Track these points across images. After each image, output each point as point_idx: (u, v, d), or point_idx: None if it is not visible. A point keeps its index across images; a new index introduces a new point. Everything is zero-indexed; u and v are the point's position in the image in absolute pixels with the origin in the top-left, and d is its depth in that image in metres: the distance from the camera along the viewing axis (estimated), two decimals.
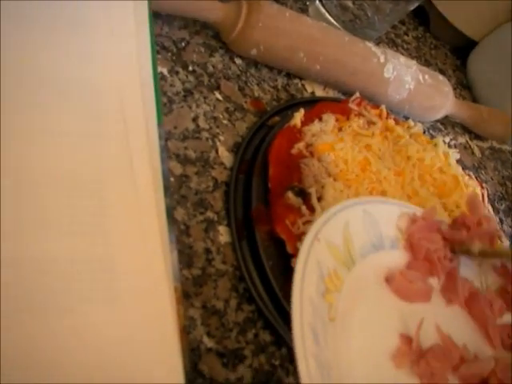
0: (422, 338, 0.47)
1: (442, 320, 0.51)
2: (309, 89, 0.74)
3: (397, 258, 0.52)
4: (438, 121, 0.87)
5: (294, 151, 0.59)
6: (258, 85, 0.69)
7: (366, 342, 0.44)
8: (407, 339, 0.46)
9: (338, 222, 0.46)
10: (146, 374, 0.38)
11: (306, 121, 0.63)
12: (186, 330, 0.45)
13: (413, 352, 0.45)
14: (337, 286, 0.43)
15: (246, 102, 0.66)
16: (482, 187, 0.77)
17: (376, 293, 0.49)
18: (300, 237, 0.53)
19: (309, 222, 0.54)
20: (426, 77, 0.78)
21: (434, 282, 0.53)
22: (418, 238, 0.52)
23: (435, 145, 0.72)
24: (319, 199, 0.56)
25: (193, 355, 0.47)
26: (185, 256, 0.51)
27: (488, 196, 0.83)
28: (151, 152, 0.47)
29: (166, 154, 0.56)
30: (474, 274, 0.56)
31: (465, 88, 1.00)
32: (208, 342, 0.49)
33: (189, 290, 0.50)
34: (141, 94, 0.49)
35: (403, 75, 0.75)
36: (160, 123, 0.50)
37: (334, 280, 0.43)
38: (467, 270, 0.55)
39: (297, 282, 0.38)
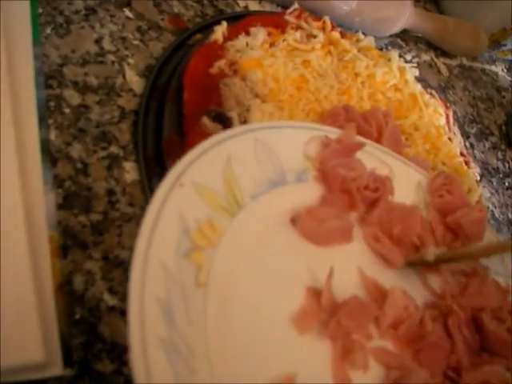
0: (338, 289, 0.37)
1: (369, 261, 0.42)
2: (241, 3, 0.64)
3: (306, 192, 0.42)
4: (397, 36, 0.78)
5: (214, 70, 0.51)
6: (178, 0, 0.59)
7: (259, 305, 0.34)
8: (315, 294, 0.37)
9: (215, 158, 0.36)
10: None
11: (231, 36, 0.54)
12: (63, 289, 0.37)
13: (323, 310, 0.36)
14: (211, 240, 0.33)
15: (162, 20, 0.57)
16: (447, 107, 0.68)
17: (277, 239, 0.38)
18: None
19: None
20: None
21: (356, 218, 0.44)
22: (332, 166, 0.42)
23: (389, 59, 0.63)
24: (243, 123, 0.47)
25: (91, 316, 0.39)
26: (82, 199, 0.43)
27: (456, 118, 0.75)
28: (18, 75, 0.38)
29: (60, 81, 0.47)
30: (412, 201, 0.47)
31: (430, 1, 0.90)
32: (110, 300, 0.41)
33: (86, 240, 0.42)
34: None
35: None
36: (36, 42, 0.42)
37: (206, 233, 0.33)
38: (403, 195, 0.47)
39: (140, 247, 0.28)
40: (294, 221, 0.39)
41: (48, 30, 0.49)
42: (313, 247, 0.40)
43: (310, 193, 0.42)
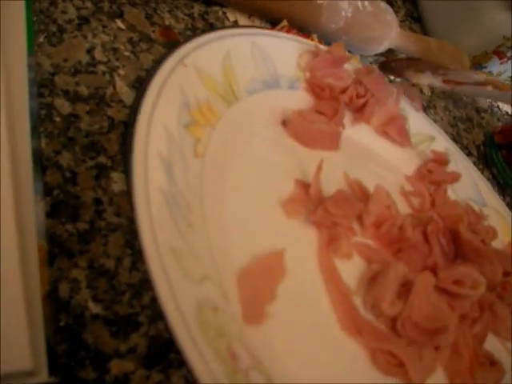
0: (326, 186, 0.40)
1: (353, 169, 0.44)
2: (231, 17, 0.65)
3: (297, 99, 0.45)
4: (382, 55, 0.79)
5: None
6: (169, 12, 0.60)
7: (251, 187, 0.37)
8: (303, 185, 0.40)
9: (216, 50, 0.39)
10: None
11: None
12: (48, 298, 0.38)
13: (310, 199, 0.39)
14: (209, 120, 0.36)
15: (153, 32, 0.58)
16: None
17: (268, 135, 0.41)
18: None
19: None
20: (366, 4, 0.70)
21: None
22: (322, 75, 0.45)
23: None
24: None
25: (75, 323, 0.40)
26: (69, 208, 0.44)
27: None
28: (12, 86, 0.39)
29: (51, 90, 0.48)
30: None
31: (415, 21, 0.92)
32: (94, 308, 0.41)
33: (73, 248, 0.43)
34: None
35: (339, 1, 0.67)
36: (31, 52, 0.42)
37: (205, 113, 0.36)
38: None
39: (145, 109, 0.31)
40: (284, 123, 0.43)
41: (41, 39, 0.50)
42: (302, 148, 0.43)
43: (300, 100, 0.45)
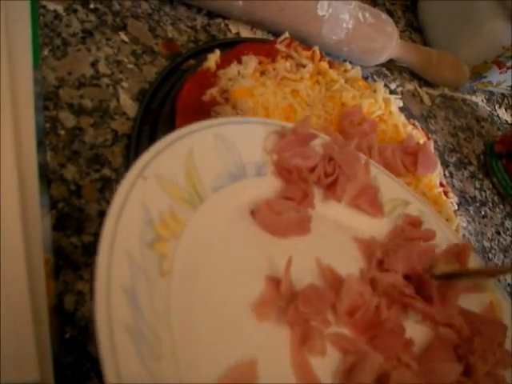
0: (296, 278, 0.39)
1: (325, 252, 0.43)
2: (233, 29, 0.66)
3: (265, 186, 0.43)
4: (383, 65, 0.80)
5: (206, 98, 0.52)
6: (172, 25, 0.61)
7: (220, 293, 0.36)
8: (274, 282, 0.38)
9: (177, 152, 0.37)
10: None
11: (223, 64, 0.55)
12: (54, 310, 0.38)
13: (282, 297, 0.38)
14: (174, 232, 0.35)
15: (156, 44, 0.58)
16: (428, 138, 0.70)
17: (238, 230, 0.40)
18: None
19: None
20: (367, 15, 0.71)
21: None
22: (289, 157, 0.44)
23: (374, 90, 0.65)
24: None
25: (80, 336, 0.40)
26: (74, 221, 0.44)
27: (436, 147, 0.77)
28: (19, 100, 0.40)
29: (56, 103, 0.48)
30: None
31: (415, 31, 0.93)
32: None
33: (77, 261, 0.43)
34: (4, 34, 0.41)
35: (340, 13, 0.68)
36: (37, 66, 0.43)
37: (169, 224, 0.34)
38: None
39: (106, 235, 0.29)
40: (253, 213, 0.41)
41: (46, 52, 0.50)
42: (272, 238, 0.41)
43: (268, 186, 0.44)
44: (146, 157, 0.35)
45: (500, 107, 0.98)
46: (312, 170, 0.45)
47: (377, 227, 0.49)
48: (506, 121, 0.97)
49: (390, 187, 0.51)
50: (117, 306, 0.28)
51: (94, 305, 0.27)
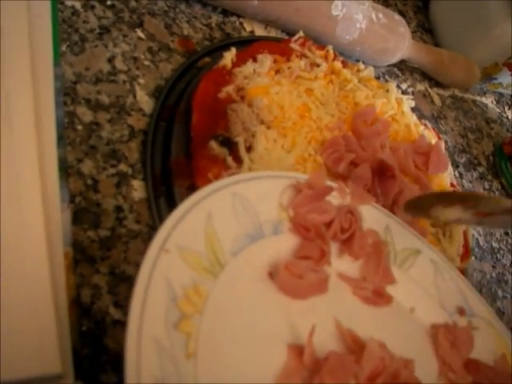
0: (319, 342, 0.38)
1: (344, 311, 0.42)
2: (248, 28, 0.66)
3: (282, 244, 0.42)
4: (394, 66, 0.80)
5: (222, 95, 0.52)
6: (188, 22, 0.61)
7: (245, 368, 0.34)
8: (297, 350, 0.37)
9: (196, 217, 0.36)
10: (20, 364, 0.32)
11: (239, 62, 0.56)
12: (75, 303, 0.39)
13: (305, 367, 0.36)
14: (197, 307, 0.33)
15: (172, 42, 0.59)
16: (439, 138, 0.70)
17: (257, 295, 0.39)
18: None
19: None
20: (380, 15, 0.71)
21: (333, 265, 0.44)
22: (305, 212, 0.43)
23: (387, 90, 0.65)
24: (248, 150, 0.49)
25: (97, 329, 0.41)
26: (91, 215, 0.45)
27: (447, 148, 0.77)
28: (40, 96, 0.40)
29: (73, 98, 0.49)
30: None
31: (427, 32, 0.93)
32: (115, 313, 0.42)
33: (94, 254, 0.43)
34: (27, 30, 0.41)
35: (354, 13, 0.68)
36: (57, 62, 0.43)
37: (192, 299, 0.33)
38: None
39: (133, 321, 0.28)
40: (271, 275, 0.40)
41: (64, 48, 0.51)
42: (290, 300, 0.40)
43: (285, 244, 0.43)
44: (166, 226, 0.34)
45: (509, 109, 0.98)
46: (329, 224, 0.44)
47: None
48: None
49: (402, 236, 0.50)
50: None
51: None
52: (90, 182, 0.46)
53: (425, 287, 0.50)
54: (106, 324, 0.42)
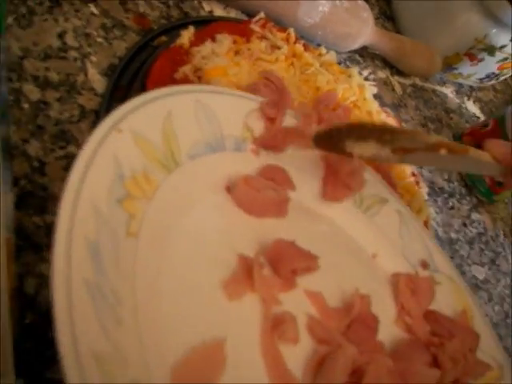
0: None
1: (301, 239, 0.40)
2: (206, 7, 0.64)
3: (243, 162, 0.41)
4: (356, 52, 0.78)
5: (178, 75, 0.50)
6: None
7: (189, 265, 0.34)
8: (247, 261, 0.36)
9: (156, 111, 0.35)
10: None
11: (197, 41, 0.53)
12: (14, 293, 0.36)
13: (251, 279, 0.36)
14: (146, 192, 0.32)
15: (127, 19, 0.56)
16: (400, 126, 0.69)
17: (210, 204, 0.38)
18: None
19: None
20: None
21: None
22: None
23: (349, 76, 0.64)
24: None
25: (42, 321, 0.38)
26: (37, 200, 0.42)
27: None
28: None
29: (20, 75, 0.46)
30: None
31: (388, 19, 0.92)
32: None
33: (40, 241, 0.41)
34: None
35: None
36: (1, 33, 0.40)
37: (141, 184, 0.32)
38: None
39: (72, 182, 0.27)
40: (229, 189, 0.39)
41: (10, 20, 0.48)
42: (246, 216, 0.40)
43: (247, 163, 0.42)
44: (122, 109, 0.33)
45: (469, 100, 0.98)
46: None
47: (354, 222, 0.48)
48: (474, 114, 0.97)
49: (370, 183, 0.49)
50: (78, 258, 0.25)
51: (52, 256, 0.25)
52: (36, 164, 0.43)
53: (389, 236, 0.50)
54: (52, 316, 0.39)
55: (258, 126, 0.43)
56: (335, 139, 0.44)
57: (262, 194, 0.39)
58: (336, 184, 0.46)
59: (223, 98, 0.41)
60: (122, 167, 0.31)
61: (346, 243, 0.47)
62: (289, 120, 0.46)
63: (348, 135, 0.43)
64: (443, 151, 0.40)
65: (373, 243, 0.48)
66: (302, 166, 0.46)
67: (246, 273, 0.36)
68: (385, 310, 0.44)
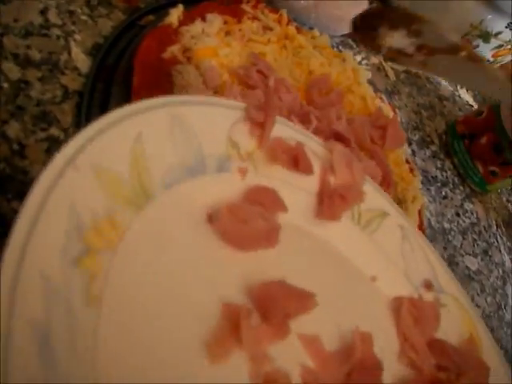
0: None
1: (295, 270, 0.36)
2: None
3: (228, 185, 0.36)
4: (349, 36, 0.76)
5: (167, 55, 0.48)
6: None
7: (165, 326, 0.28)
8: (232, 310, 0.31)
9: (122, 135, 0.29)
10: None
11: (186, 21, 0.51)
12: None
13: (239, 332, 0.30)
14: (110, 242, 0.27)
15: None
16: (395, 112, 0.68)
17: (190, 240, 0.32)
18: None
19: None
20: None
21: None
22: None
23: (343, 60, 0.62)
24: None
25: None
26: (16, 184, 0.40)
27: (401, 125, 0.75)
28: None
29: None
30: None
31: (382, 4, 0.89)
32: None
33: None
34: None
35: None
36: None
37: (105, 232, 0.26)
38: None
39: (13, 248, 0.22)
40: (211, 218, 0.34)
41: None
42: (232, 251, 0.34)
43: (231, 186, 0.36)
44: (80, 138, 0.27)
45: (462, 87, 0.96)
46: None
47: (351, 241, 0.44)
48: (467, 102, 0.96)
49: (369, 195, 0.45)
50: (20, 352, 0.20)
51: None
52: (16, 146, 0.41)
53: (390, 255, 0.45)
54: None
55: (245, 140, 0.38)
56: (369, 27, 0.41)
57: (249, 225, 0.35)
58: (332, 200, 0.41)
59: (203, 109, 0.36)
60: (81, 216, 0.25)
61: (343, 268, 0.43)
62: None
63: (382, 22, 0.41)
64: (463, 53, 0.38)
65: (372, 265, 0.44)
66: (295, 181, 0.41)
67: (231, 326, 0.30)
68: (387, 344, 0.41)
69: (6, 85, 0.43)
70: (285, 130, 0.40)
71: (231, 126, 0.37)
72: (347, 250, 0.43)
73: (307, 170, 0.40)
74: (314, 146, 0.42)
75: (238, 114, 0.38)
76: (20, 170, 0.40)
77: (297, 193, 0.41)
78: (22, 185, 0.40)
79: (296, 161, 0.39)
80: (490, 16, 0.79)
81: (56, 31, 0.48)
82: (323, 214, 0.41)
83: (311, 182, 0.42)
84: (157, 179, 0.31)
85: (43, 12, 0.48)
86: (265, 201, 0.37)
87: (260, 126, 0.38)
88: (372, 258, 0.44)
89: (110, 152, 0.28)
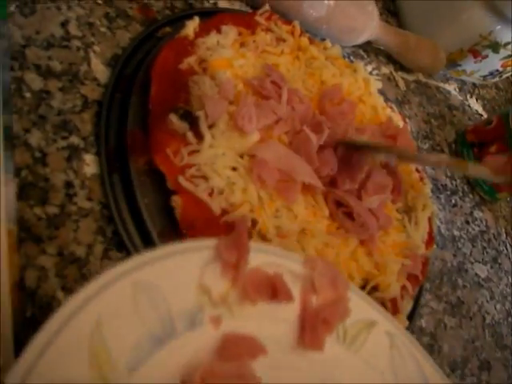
0: None
1: None
2: None
3: (201, 341, 0.32)
4: (360, 47, 0.78)
5: (183, 66, 0.49)
6: None
7: None
8: None
9: (77, 331, 0.26)
10: None
11: (202, 32, 0.52)
12: (18, 286, 0.35)
13: None
14: None
15: (131, 8, 0.55)
16: (405, 122, 0.69)
17: None
18: (184, 170, 0.43)
19: (195, 153, 0.44)
20: None
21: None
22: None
23: (355, 70, 0.63)
24: (210, 125, 0.46)
25: (42, 314, 0.37)
26: (38, 190, 0.41)
27: (411, 134, 0.76)
28: None
29: (21, 63, 0.45)
30: None
31: (392, 15, 0.91)
32: (63, 298, 0.39)
33: (41, 233, 0.40)
34: None
35: None
36: (3, 19, 0.39)
37: None
38: None
39: None
40: None
41: (12, 8, 0.47)
42: None
43: (204, 342, 0.33)
44: (30, 354, 0.24)
45: (471, 97, 0.97)
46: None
47: (336, 368, 0.39)
48: (477, 111, 0.97)
49: (355, 306, 0.40)
50: None
51: None
52: (38, 154, 0.42)
53: (379, 370, 0.41)
54: (53, 309, 0.38)
55: (217, 282, 0.34)
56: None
57: None
58: (315, 328, 0.37)
59: (168, 263, 0.32)
60: None
61: None
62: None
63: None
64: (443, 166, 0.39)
65: None
66: (273, 313, 0.37)
67: None
68: None
69: (28, 95, 0.44)
70: (260, 258, 0.37)
71: (201, 271, 0.34)
72: (331, 379, 0.39)
73: (287, 298, 0.36)
74: (293, 267, 0.38)
75: (208, 254, 0.34)
76: (42, 177, 0.42)
77: (276, 325, 0.37)
78: (43, 191, 0.41)
79: (275, 291, 0.36)
80: (499, 27, 0.80)
81: (76, 43, 0.49)
82: (305, 343, 0.37)
83: (292, 309, 0.38)
84: (121, 366, 0.28)
85: (64, 24, 0.49)
86: (242, 351, 0.33)
87: (233, 266, 0.35)
88: (359, 378, 0.40)
89: (62, 360, 0.26)
